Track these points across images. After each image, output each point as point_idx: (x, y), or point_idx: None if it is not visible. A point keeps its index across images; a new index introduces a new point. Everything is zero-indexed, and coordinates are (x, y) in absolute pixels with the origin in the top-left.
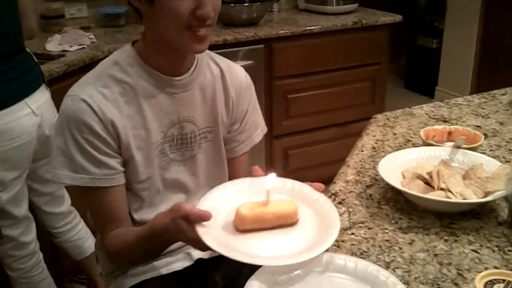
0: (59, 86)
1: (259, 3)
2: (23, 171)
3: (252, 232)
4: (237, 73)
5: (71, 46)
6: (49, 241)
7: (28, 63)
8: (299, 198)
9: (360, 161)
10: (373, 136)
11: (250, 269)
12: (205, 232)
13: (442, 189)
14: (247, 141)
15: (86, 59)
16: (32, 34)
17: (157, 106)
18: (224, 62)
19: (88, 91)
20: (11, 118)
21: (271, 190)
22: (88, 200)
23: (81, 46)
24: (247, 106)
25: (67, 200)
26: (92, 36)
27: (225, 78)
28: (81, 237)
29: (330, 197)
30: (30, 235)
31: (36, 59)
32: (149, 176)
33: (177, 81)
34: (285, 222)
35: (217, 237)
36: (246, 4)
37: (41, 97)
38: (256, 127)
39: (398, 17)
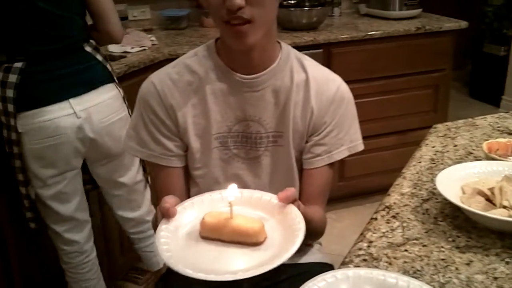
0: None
1: (319, 8)
2: (64, 171)
3: (218, 244)
4: (327, 84)
5: (132, 48)
6: (103, 238)
7: (84, 63)
8: (258, 207)
9: (417, 173)
10: (433, 147)
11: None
12: (162, 236)
13: (504, 206)
14: (324, 155)
15: (147, 60)
16: (110, 38)
17: (223, 100)
18: (315, 69)
19: (160, 75)
20: (49, 117)
21: (233, 202)
22: (153, 175)
23: (142, 48)
24: (330, 120)
25: (144, 208)
26: (153, 38)
27: (308, 86)
28: (153, 249)
29: (383, 210)
30: (78, 235)
31: (105, 60)
32: (206, 164)
33: (246, 79)
34: (246, 240)
35: (175, 244)
36: (306, 9)
37: (93, 99)
38: (339, 144)
39: (463, 23)
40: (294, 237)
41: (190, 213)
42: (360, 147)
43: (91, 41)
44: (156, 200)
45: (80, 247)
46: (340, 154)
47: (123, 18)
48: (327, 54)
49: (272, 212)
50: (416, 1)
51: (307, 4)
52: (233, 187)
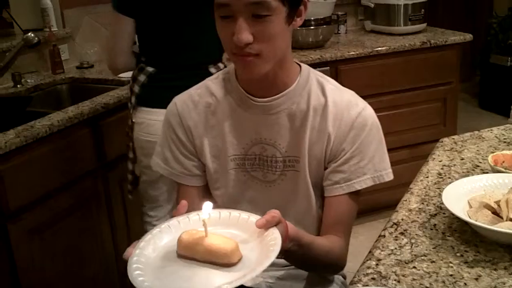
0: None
1: (325, 26)
2: None
3: (193, 264)
4: (348, 110)
5: None
6: (112, 239)
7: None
8: (236, 226)
9: (424, 188)
10: (439, 161)
11: None
12: (134, 261)
13: (511, 219)
14: (343, 183)
15: None
16: None
17: (238, 123)
18: (336, 94)
19: (183, 96)
20: (155, 117)
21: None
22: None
23: None
24: (349, 147)
25: None
26: None
27: (326, 111)
28: None
29: (391, 227)
30: (159, 212)
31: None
32: (224, 185)
33: (260, 102)
34: (219, 260)
35: (149, 264)
36: (312, 28)
37: None
38: (361, 173)
39: (468, 36)
40: (266, 258)
41: (169, 234)
42: (388, 177)
43: (219, 64)
44: None
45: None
46: (362, 183)
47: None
48: (335, 72)
49: (252, 233)
50: (421, 16)
51: (313, 23)
52: (207, 205)
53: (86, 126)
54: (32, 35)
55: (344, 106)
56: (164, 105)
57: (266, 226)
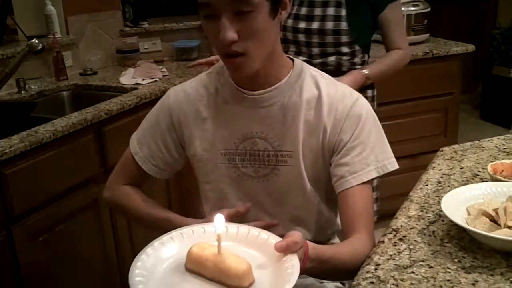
0: (131, 118)
1: None
2: None
3: (199, 282)
4: (343, 100)
5: (143, 80)
6: (115, 243)
7: None
8: (252, 245)
9: (424, 195)
10: (439, 170)
11: None
12: (136, 274)
13: (509, 227)
14: (349, 176)
15: (158, 92)
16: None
17: (231, 117)
18: (330, 87)
19: (177, 88)
20: None
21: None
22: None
23: (153, 80)
24: (347, 138)
25: None
26: (164, 69)
27: (321, 103)
28: None
29: (391, 233)
30: None
31: None
32: (214, 179)
33: (251, 95)
34: (228, 281)
35: (155, 270)
36: None
37: None
38: (365, 164)
39: (470, 47)
40: None
41: (178, 245)
42: (392, 166)
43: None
44: (114, 176)
45: None
46: (368, 175)
47: (135, 50)
48: None
49: (268, 255)
50: (423, 26)
51: None
52: (219, 217)
53: (89, 132)
54: (36, 41)
55: (339, 97)
56: None
57: (286, 251)
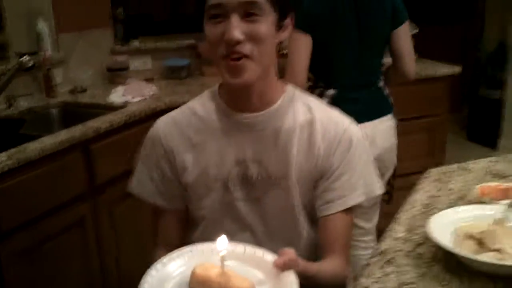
0: (120, 136)
1: None
2: None
3: None
4: (335, 125)
5: (133, 98)
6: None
7: (377, 96)
8: (250, 263)
9: (411, 217)
10: (426, 191)
11: None
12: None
13: (495, 250)
14: (337, 201)
15: (147, 110)
16: (405, 76)
17: (223, 142)
18: (322, 112)
19: (166, 118)
20: None
21: (225, 256)
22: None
23: (142, 98)
24: (338, 163)
25: (374, 220)
26: (154, 87)
27: (314, 128)
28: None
29: (377, 255)
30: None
31: (388, 95)
32: (207, 206)
33: (245, 119)
34: None
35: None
36: None
37: (378, 125)
38: (353, 189)
39: (457, 69)
40: None
41: (181, 263)
42: (378, 190)
43: (381, 77)
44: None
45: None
46: (356, 199)
47: (125, 68)
48: None
49: (269, 274)
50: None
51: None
52: (223, 238)
53: (77, 150)
54: (27, 58)
55: (332, 122)
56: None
57: (284, 268)
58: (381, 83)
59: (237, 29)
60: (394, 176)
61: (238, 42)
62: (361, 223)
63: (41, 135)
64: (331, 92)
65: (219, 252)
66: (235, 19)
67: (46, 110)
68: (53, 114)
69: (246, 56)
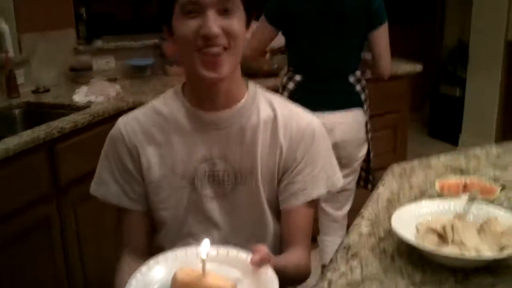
0: (84, 136)
1: (279, 56)
2: None
3: None
4: (297, 120)
5: (96, 97)
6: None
7: (344, 89)
8: (227, 263)
9: (375, 212)
10: (389, 186)
11: None
12: None
13: (456, 243)
14: (299, 193)
15: (111, 110)
16: (379, 76)
17: (189, 140)
18: (284, 108)
19: (127, 117)
20: None
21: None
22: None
23: (106, 97)
24: (301, 157)
25: (344, 209)
26: (118, 87)
27: (276, 124)
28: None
29: (343, 250)
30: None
31: (362, 90)
32: (173, 205)
33: (211, 117)
34: None
35: None
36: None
37: (341, 118)
38: (315, 181)
39: (418, 67)
40: None
41: (162, 268)
42: (339, 182)
43: (356, 72)
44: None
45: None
46: (318, 191)
47: (88, 68)
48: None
49: (247, 272)
50: None
51: (267, 52)
52: (206, 242)
53: (41, 151)
54: None
55: (294, 116)
56: (311, 108)
57: (260, 264)
58: (353, 78)
59: (214, 23)
60: (368, 160)
61: (216, 37)
62: (329, 210)
63: (4, 136)
64: (298, 78)
65: (201, 255)
66: (211, 14)
67: (9, 111)
68: (16, 114)
69: (224, 48)
